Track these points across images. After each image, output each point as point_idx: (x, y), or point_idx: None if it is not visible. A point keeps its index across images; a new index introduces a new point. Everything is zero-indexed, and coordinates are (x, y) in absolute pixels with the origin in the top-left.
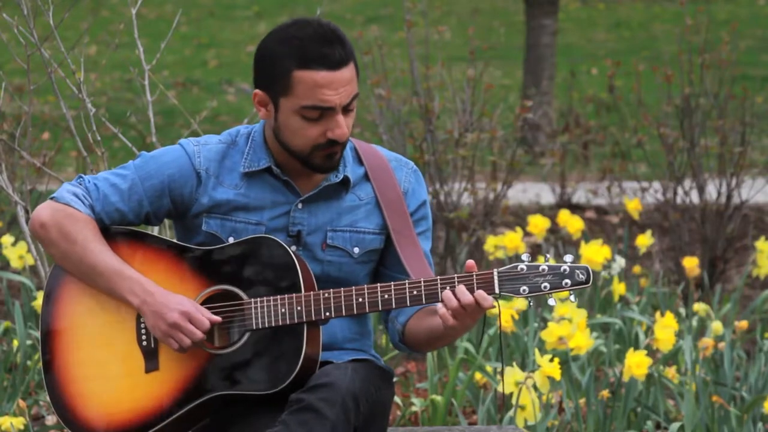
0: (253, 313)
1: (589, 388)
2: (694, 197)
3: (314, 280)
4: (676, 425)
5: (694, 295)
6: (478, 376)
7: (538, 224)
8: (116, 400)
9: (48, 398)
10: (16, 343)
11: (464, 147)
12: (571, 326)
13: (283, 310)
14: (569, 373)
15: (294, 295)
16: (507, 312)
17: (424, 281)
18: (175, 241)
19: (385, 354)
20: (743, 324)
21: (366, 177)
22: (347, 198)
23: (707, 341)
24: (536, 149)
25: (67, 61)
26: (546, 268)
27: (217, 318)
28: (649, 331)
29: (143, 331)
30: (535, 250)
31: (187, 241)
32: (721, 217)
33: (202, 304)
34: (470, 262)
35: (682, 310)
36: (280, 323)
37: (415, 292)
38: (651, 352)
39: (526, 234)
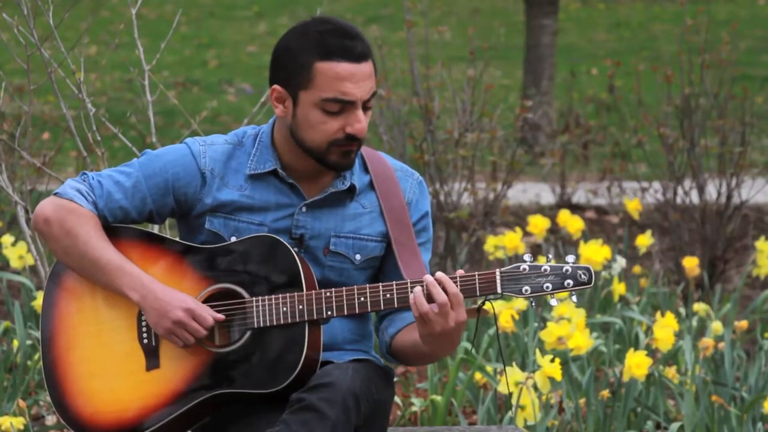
0: (255, 311)
1: (589, 388)
2: (694, 197)
3: (315, 279)
4: (676, 425)
5: (694, 295)
6: (478, 376)
7: (538, 224)
8: (117, 399)
9: (48, 397)
10: (16, 343)
11: (464, 147)
12: (570, 326)
13: (284, 308)
14: (569, 373)
15: (296, 293)
16: (507, 312)
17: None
18: (177, 239)
19: None
20: (743, 324)
21: (371, 185)
22: (351, 206)
23: (707, 341)
24: (536, 149)
25: (67, 61)
26: (548, 268)
27: (221, 316)
28: (649, 331)
29: (144, 328)
30: (535, 251)
31: (190, 241)
32: (721, 217)
33: (203, 302)
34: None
35: (682, 310)
36: (282, 322)
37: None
38: (651, 352)
39: (526, 234)
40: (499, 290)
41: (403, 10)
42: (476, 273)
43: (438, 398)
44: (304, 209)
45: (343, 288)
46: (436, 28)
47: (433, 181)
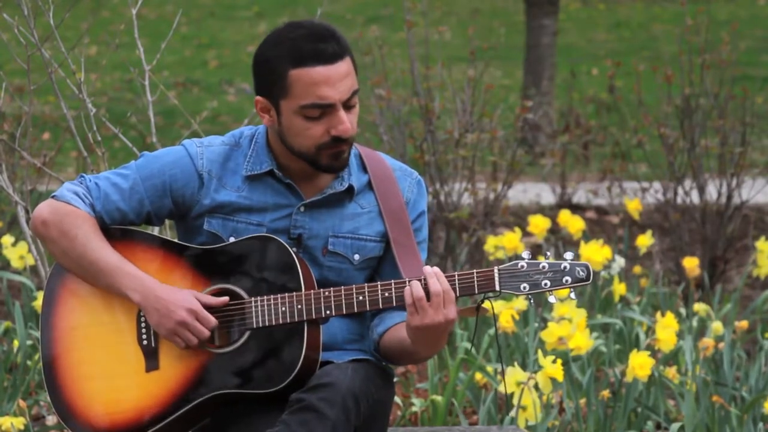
0: (254, 311)
1: (589, 388)
2: (695, 197)
3: (314, 279)
4: (676, 425)
5: (695, 296)
6: (478, 376)
7: (539, 224)
8: (117, 400)
9: (48, 398)
10: (16, 343)
11: (464, 147)
12: (570, 326)
13: (283, 308)
14: (570, 374)
15: (294, 293)
16: (507, 312)
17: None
18: (175, 240)
19: None
20: (743, 324)
21: (369, 185)
22: (350, 206)
23: (707, 341)
24: (536, 149)
25: (67, 61)
26: (546, 265)
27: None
28: (649, 331)
29: (143, 330)
30: (536, 251)
31: (189, 241)
32: (722, 217)
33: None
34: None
35: (683, 311)
36: (281, 322)
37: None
38: (651, 352)
39: (527, 234)
40: (497, 287)
41: (403, 10)
42: (474, 270)
43: (438, 398)
44: (302, 209)
45: (342, 287)
46: (436, 28)
47: (434, 181)
